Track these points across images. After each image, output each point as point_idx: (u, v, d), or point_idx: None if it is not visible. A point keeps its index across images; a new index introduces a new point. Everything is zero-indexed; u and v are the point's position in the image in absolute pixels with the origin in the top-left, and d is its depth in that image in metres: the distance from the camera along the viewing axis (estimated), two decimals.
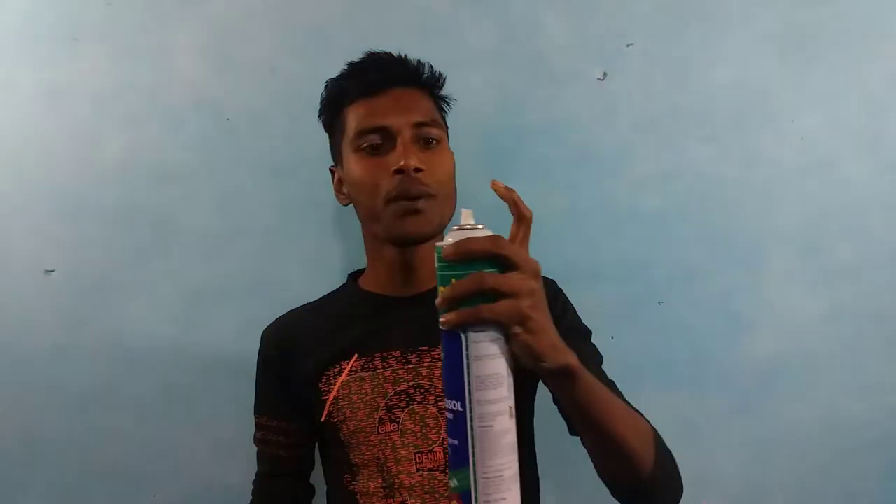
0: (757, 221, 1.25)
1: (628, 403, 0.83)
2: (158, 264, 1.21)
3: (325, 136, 1.06)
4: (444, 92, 1.03)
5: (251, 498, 1.04)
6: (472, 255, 0.60)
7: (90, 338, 1.20)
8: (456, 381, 0.60)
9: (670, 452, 0.82)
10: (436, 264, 0.62)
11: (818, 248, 1.25)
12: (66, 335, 1.20)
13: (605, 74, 1.24)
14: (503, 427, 0.60)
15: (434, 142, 0.94)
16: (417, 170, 0.90)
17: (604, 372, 0.95)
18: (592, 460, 0.77)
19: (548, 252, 1.21)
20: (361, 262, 1.08)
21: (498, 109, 1.23)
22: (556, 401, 0.88)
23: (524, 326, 0.60)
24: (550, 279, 1.06)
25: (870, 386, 1.26)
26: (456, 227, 0.63)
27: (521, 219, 0.71)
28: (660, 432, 0.81)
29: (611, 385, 0.91)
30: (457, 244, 0.60)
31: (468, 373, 0.60)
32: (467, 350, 0.60)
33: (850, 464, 1.26)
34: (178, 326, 1.21)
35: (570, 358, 0.65)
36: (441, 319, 0.61)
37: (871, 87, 1.25)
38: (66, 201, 1.20)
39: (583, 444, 0.77)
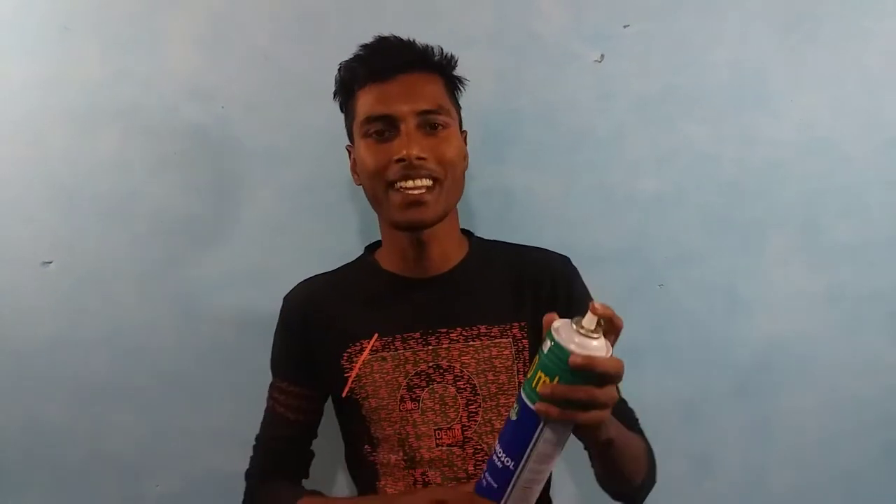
0: (755, 202, 1.24)
1: (631, 419, 0.98)
2: (155, 254, 1.21)
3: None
4: (456, 73, 1.02)
5: (253, 457, 1.04)
6: (600, 375, 0.67)
7: (88, 329, 1.20)
8: (519, 446, 0.70)
9: (653, 455, 0.97)
10: (545, 348, 0.68)
11: (817, 227, 1.25)
12: (65, 326, 1.20)
13: (602, 56, 1.23)
14: (537, 489, 0.73)
15: (440, 127, 0.94)
16: (420, 158, 0.91)
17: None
18: (596, 474, 0.93)
19: (545, 236, 1.22)
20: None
21: (494, 93, 1.22)
22: None
23: (598, 427, 0.73)
24: (565, 256, 1.06)
25: (869, 366, 1.26)
26: (578, 328, 0.68)
27: (615, 330, 0.73)
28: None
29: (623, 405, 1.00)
30: (590, 361, 0.66)
31: (533, 447, 0.70)
32: (541, 432, 0.69)
33: (849, 444, 1.27)
34: (177, 316, 1.21)
35: (612, 431, 0.78)
36: (538, 406, 0.68)
37: (869, 64, 1.24)
38: (61, 192, 1.20)
39: (591, 460, 0.92)
